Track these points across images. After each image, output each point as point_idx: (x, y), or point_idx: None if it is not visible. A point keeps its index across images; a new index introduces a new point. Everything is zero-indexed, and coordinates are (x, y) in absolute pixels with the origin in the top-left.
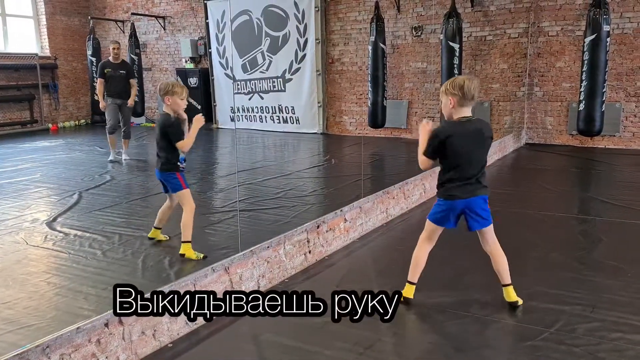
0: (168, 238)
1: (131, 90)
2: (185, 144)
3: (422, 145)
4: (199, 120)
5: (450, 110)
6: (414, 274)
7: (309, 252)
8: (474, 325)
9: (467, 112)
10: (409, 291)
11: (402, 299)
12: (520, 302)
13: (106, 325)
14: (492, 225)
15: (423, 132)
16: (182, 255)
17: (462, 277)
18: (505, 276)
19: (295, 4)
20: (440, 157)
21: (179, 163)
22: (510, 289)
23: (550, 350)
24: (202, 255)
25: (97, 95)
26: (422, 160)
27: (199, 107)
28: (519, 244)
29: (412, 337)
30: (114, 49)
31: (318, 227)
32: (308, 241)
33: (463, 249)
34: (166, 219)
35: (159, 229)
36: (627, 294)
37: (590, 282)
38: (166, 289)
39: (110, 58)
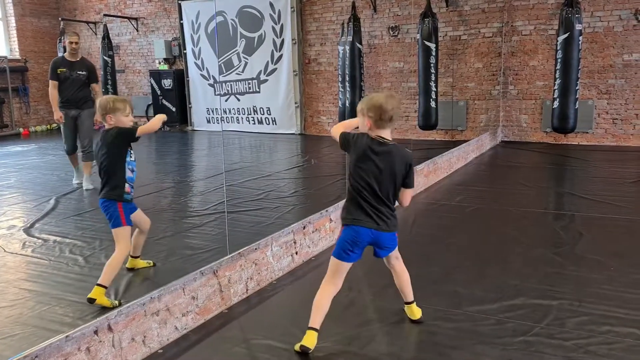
0: (152, 264)
1: (94, 99)
2: (145, 127)
3: (349, 122)
4: (160, 115)
5: (365, 131)
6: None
7: (296, 253)
8: (465, 322)
9: (385, 133)
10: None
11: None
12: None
13: (95, 332)
14: (396, 249)
15: (354, 120)
16: (91, 300)
17: (449, 275)
18: (409, 293)
19: (271, 4)
20: (350, 170)
21: (126, 186)
22: (414, 306)
23: (542, 345)
24: (117, 302)
25: (52, 101)
26: (335, 134)
27: (174, 109)
28: (501, 241)
29: (405, 336)
30: (71, 42)
31: (304, 227)
32: (295, 242)
33: (448, 247)
34: (141, 245)
35: (137, 257)
36: (612, 288)
37: (574, 276)
38: (155, 294)
39: (66, 54)
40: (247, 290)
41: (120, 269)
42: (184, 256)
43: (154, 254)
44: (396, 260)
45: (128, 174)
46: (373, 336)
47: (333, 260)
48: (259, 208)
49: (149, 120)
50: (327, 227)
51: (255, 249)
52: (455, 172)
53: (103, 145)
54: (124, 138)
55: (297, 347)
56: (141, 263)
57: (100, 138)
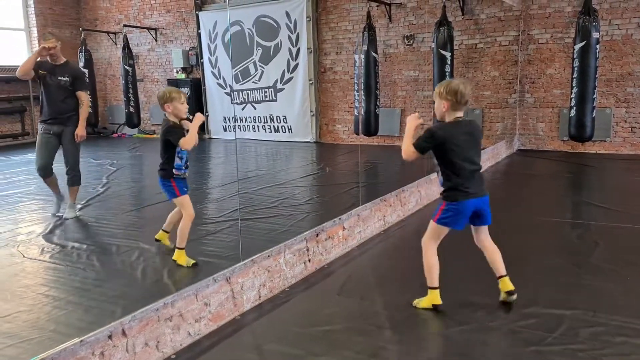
0: (173, 246)
1: (80, 111)
2: (186, 141)
3: (409, 136)
4: (199, 117)
5: (442, 112)
6: (433, 278)
7: (309, 260)
8: (477, 331)
9: (459, 114)
10: (436, 297)
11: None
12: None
13: (110, 337)
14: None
15: (412, 123)
16: (175, 261)
17: (462, 283)
18: (501, 268)
19: (287, 13)
20: (440, 163)
21: (174, 170)
22: (506, 279)
23: (554, 355)
24: (192, 262)
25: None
26: (410, 151)
27: (191, 117)
28: (516, 249)
29: (416, 345)
30: (48, 48)
31: (317, 235)
32: (307, 250)
33: (458, 255)
34: (175, 223)
35: (167, 232)
36: (627, 298)
37: (589, 286)
38: (168, 299)
39: (47, 57)
40: (259, 297)
41: (189, 230)
42: (198, 263)
43: (170, 260)
44: (486, 237)
45: (177, 161)
46: (384, 345)
47: (437, 226)
48: (273, 215)
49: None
50: (340, 235)
51: (268, 256)
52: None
53: (160, 136)
54: (166, 140)
55: (424, 304)
56: (167, 241)
57: (162, 125)
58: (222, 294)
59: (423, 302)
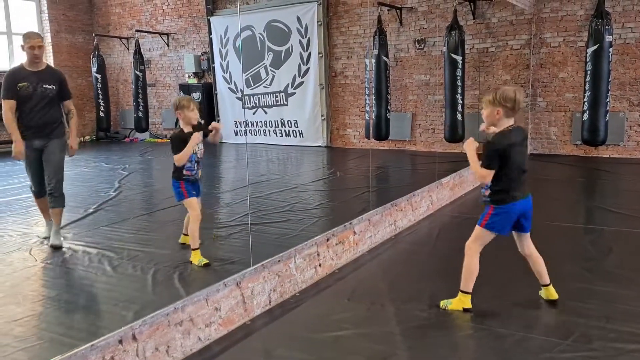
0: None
1: (67, 122)
2: (177, 158)
3: (475, 160)
4: (194, 138)
5: (495, 119)
6: (469, 283)
7: (319, 265)
8: (489, 338)
9: (511, 121)
10: (467, 301)
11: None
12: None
13: (120, 342)
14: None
15: (470, 149)
16: (191, 262)
17: (474, 289)
18: (545, 276)
19: (298, 18)
20: (501, 170)
21: (185, 171)
22: (551, 287)
23: None
24: (203, 262)
25: (9, 128)
26: (484, 174)
27: (202, 121)
28: None
29: (426, 351)
30: (32, 47)
31: (327, 240)
32: (318, 254)
33: None
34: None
35: (187, 235)
36: None
37: (602, 292)
38: (179, 304)
39: (26, 63)
40: (270, 302)
41: (199, 231)
42: (209, 267)
43: (181, 264)
44: (530, 245)
45: (187, 164)
46: (395, 351)
47: (484, 231)
48: (283, 220)
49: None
50: (350, 239)
51: (279, 261)
52: (481, 185)
53: (169, 143)
54: (171, 146)
55: (454, 307)
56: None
57: (170, 137)
58: (232, 299)
59: (453, 305)
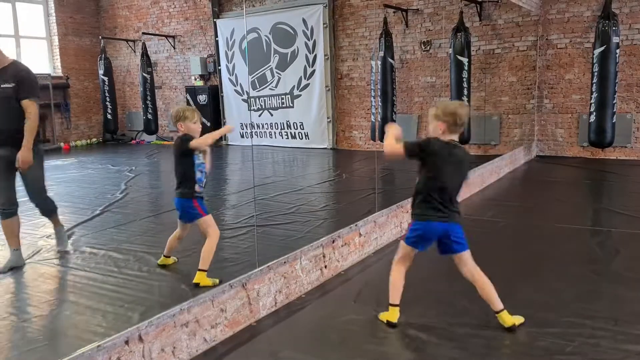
0: (176, 260)
1: (25, 127)
2: (197, 141)
3: (391, 137)
4: (227, 127)
5: (438, 134)
6: (395, 295)
7: (325, 267)
8: (496, 340)
9: (455, 137)
10: (392, 315)
11: (386, 323)
12: (519, 322)
13: (126, 342)
14: (469, 251)
15: (392, 130)
16: (197, 284)
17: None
18: (496, 302)
19: (304, 20)
20: (420, 173)
21: (196, 186)
22: (505, 313)
23: None
24: (217, 281)
25: None
26: (396, 147)
27: (209, 124)
28: (535, 257)
29: (431, 352)
30: None
31: (333, 241)
32: (324, 256)
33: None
34: (175, 248)
35: (168, 257)
36: None
37: (610, 294)
38: (185, 305)
39: None
40: (275, 303)
41: (214, 253)
42: (214, 268)
43: (186, 267)
44: (469, 266)
45: (197, 175)
46: (400, 352)
47: (404, 245)
48: (289, 222)
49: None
50: (356, 241)
51: (284, 262)
52: (487, 187)
53: (173, 153)
54: (179, 148)
55: (382, 318)
56: (169, 260)
57: (173, 144)
58: (238, 300)
59: (382, 315)
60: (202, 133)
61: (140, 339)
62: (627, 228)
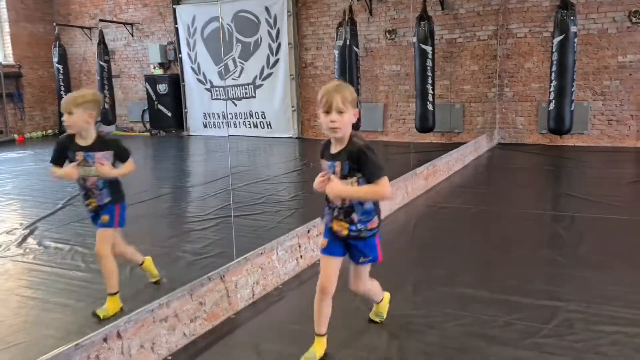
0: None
1: None
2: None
3: (353, 189)
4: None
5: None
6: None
7: (301, 257)
8: (474, 325)
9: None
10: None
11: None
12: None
13: (105, 340)
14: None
15: (342, 186)
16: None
17: (455, 277)
18: (323, 326)
19: (267, 8)
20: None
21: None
22: (321, 341)
23: (552, 347)
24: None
25: None
26: (387, 184)
27: (169, 114)
28: (504, 243)
29: (412, 340)
30: None
31: (308, 231)
32: (299, 246)
33: (451, 249)
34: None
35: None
36: (617, 288)
37: (579, 277)
38: (163, 300)
39: None
40: (253, 295)
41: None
42: (187, 262)
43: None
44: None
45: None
46: (381, 341)
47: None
48: (259, 212)
49: (144, 126)
50: None
51: (261, 253)
52: (453, 174)
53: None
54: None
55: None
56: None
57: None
58: (216, 293)
59: None
60: (165, 123)
61: (119, 335)
62: (589, 213)
